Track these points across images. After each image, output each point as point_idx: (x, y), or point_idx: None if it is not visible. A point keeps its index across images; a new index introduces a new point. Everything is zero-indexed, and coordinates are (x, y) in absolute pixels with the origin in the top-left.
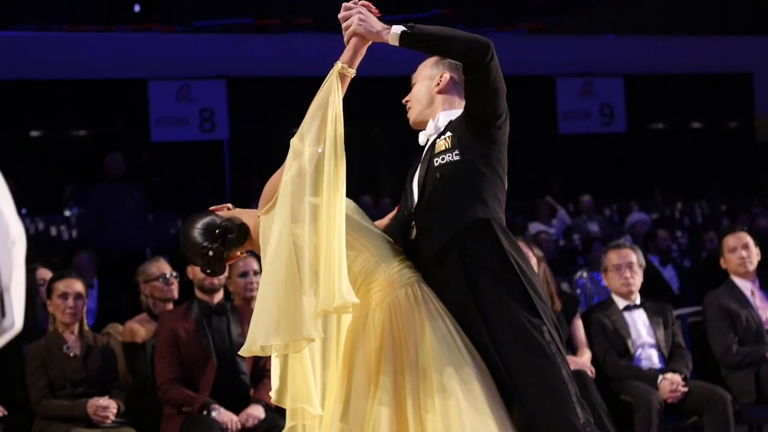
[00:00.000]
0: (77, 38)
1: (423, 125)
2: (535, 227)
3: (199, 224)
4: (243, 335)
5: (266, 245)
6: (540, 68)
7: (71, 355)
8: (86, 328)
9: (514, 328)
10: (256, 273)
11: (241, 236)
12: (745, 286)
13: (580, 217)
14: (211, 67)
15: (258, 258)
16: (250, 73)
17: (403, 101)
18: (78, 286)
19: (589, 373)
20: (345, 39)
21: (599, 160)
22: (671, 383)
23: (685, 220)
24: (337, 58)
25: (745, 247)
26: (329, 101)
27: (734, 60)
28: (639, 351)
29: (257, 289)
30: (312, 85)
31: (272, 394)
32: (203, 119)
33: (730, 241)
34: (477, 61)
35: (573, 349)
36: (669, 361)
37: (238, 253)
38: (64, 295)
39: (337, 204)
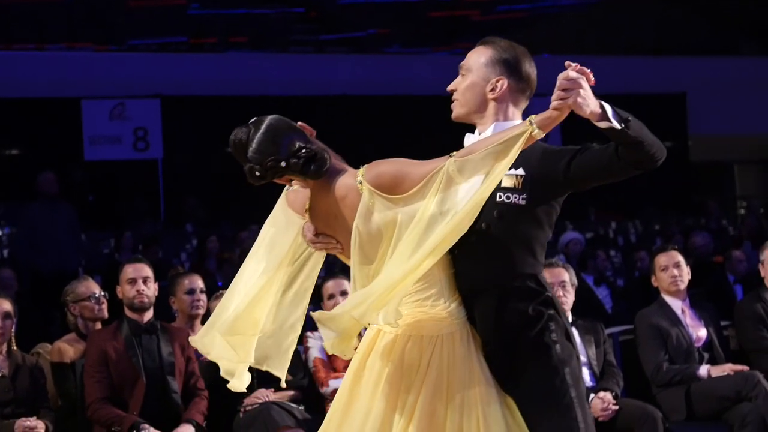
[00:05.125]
0: (10, 56)
1: (465, 122)
2: None
3: (289, 131)
4: (173, 354)
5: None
6: None
7: None
8: (14, 347)
9: (536, 373)
10: (202, 291)
11: (316, 172)
12: (676, 304)
13: None
14: (145, 86)
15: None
16: (184, 92)
17: (448, 89)
18: (6, 305)
19: None
20: (553, 104)
21: None
22: (602, 401)
23: (618, 239)
24: (270, 77)
25: (677, 265)
26: (504, 153)
27: (668, 80)
28: None
29: (203, 307)
30: (247, 104)
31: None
32: (137, 138)
33: (662, 259)
34: (652, 166)
35: None
36: (600, 380)
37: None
38: None
39: (439, 244)
